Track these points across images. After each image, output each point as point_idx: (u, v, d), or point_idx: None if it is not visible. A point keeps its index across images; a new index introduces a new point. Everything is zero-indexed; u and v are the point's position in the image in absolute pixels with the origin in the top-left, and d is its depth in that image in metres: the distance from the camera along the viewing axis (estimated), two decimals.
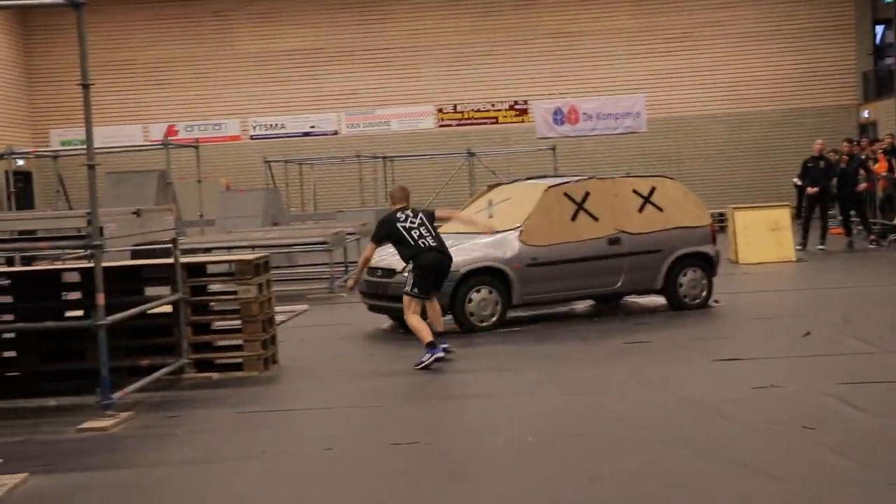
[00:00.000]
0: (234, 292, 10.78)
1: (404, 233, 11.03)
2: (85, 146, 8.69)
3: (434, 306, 11.24)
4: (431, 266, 11.00)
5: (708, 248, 14.23)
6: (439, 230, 11.56)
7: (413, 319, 10.90)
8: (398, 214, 11.19)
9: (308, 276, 20.33)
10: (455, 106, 33.24)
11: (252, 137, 33.66)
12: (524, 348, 11.72)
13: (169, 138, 21.89)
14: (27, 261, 18.30)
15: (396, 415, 8.70)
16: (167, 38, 33.60)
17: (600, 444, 7.33)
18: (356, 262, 17.72)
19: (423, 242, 11.01)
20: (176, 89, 33.67)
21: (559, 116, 33.10)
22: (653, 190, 14.00)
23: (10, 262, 17.97)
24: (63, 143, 32.08)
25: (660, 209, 13.95)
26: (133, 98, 33.62)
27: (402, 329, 13.52)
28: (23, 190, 31.24)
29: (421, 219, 11.15)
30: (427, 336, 10.68)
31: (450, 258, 11.29)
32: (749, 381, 9.17)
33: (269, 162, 27.67)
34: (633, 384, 9.37)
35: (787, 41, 32.69)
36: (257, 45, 33.49)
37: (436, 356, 10.54)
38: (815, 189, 21.29)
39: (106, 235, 8.82)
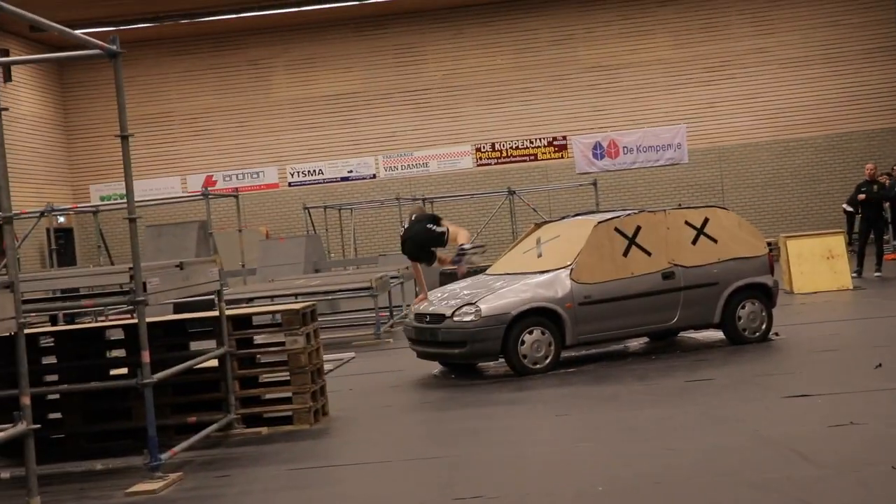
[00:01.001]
0: (282, 343, 10.46)
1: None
2: (124, 200, 8.44)
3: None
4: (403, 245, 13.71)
5: (766, 279, 13.77)
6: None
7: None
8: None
9: (353, 323, 20.00)
10: (493, 144, 32.97)
11: (290, 184, 33.52)
12: (581, 390, 11.30)
13: (208, 189, 21.75)
14: (70, 319, 18.17)
15: (455, 466, 8.29)
16: (203, 88, 33.65)
17: (682, 493, 6.89)
18: (401, 307, 17.43)
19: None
20: (213, 139, 33.67)
21: (599, 151, 32.74)
22: (706, 221, 13.59)
23: (53, 320, 17.85)
24: (102, 199, 32.09)
25: (714, 240, 13.54)
26: (170, 150, 33.66)
27: (453, 375, 13.16)
28: (64, 246, 31.26)
29: (416, 221, 13.71)
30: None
31: (411, 239, 13.45)
32: (824, 418, 8.71)
33: (308, 208, 27.50)
34: (703, 425, 8.93)
35: (831, 65, 32.16)
36: (293, 91, 33.45)
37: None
38: (864, 196, 20.78)
39: (149, 290, 8.51)
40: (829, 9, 32.25)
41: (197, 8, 30.68)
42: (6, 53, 28.95)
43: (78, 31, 8.55)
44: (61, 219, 30.59)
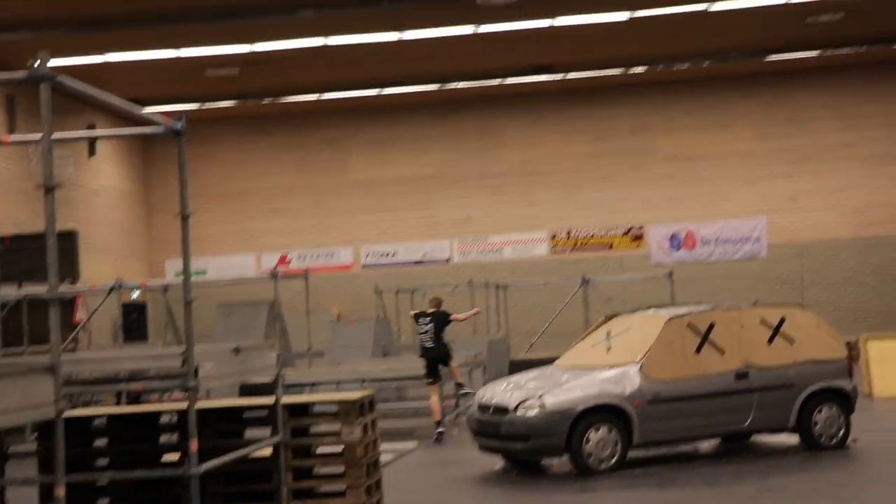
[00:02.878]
0: (337, 433, 10.15)
1: (419, 334, 16.03)
2: (196, 278, 8.29)
3: (432, 400, 15.80)
4: (425, 360, 15.88)
5: (844, 383, 13.22)
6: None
7: (432, 402, 15.84)
8: (420, 319, 16.13)
9: (417, 411, 19.62)
10: (569, 232, 32.66)
11: (364, 266, 33.47)
12: (645, 495, 10.83)
13: (278, 268, 21.73)
14: (135, 399, 18.02)
15: None
16: (281, 167, 33.82)
17: None
18: (469, 395, 16.67)
19: (424, 343, 15.92)
20: (289, 218, 33.78)
21: (676, 242, 32.25)
22: (783, 320, 13.12)
23: (119, 399, 17.72)
24: (177, 275, 32.30)
25: (791, 341, 13.06)
26: (247, 227, 33.80)
27: (515, 470, 12.74)
28: (136, 322, 31.41)
29: (431, 324, 15.87)
30: (437, 416, 15.47)
31: (436, 355, 15.91)
32: None
33: (379, 291, 27.36)
34: None
35: None
36: (370, 172, 33.50)
37: (438, 431, 15.37)
38: None
39: (202, 375, 8.30)
40: None
41: (280, 87, 30.97)
42: (93, 128, 29.49)
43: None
44: (135, 294, 30.78)
